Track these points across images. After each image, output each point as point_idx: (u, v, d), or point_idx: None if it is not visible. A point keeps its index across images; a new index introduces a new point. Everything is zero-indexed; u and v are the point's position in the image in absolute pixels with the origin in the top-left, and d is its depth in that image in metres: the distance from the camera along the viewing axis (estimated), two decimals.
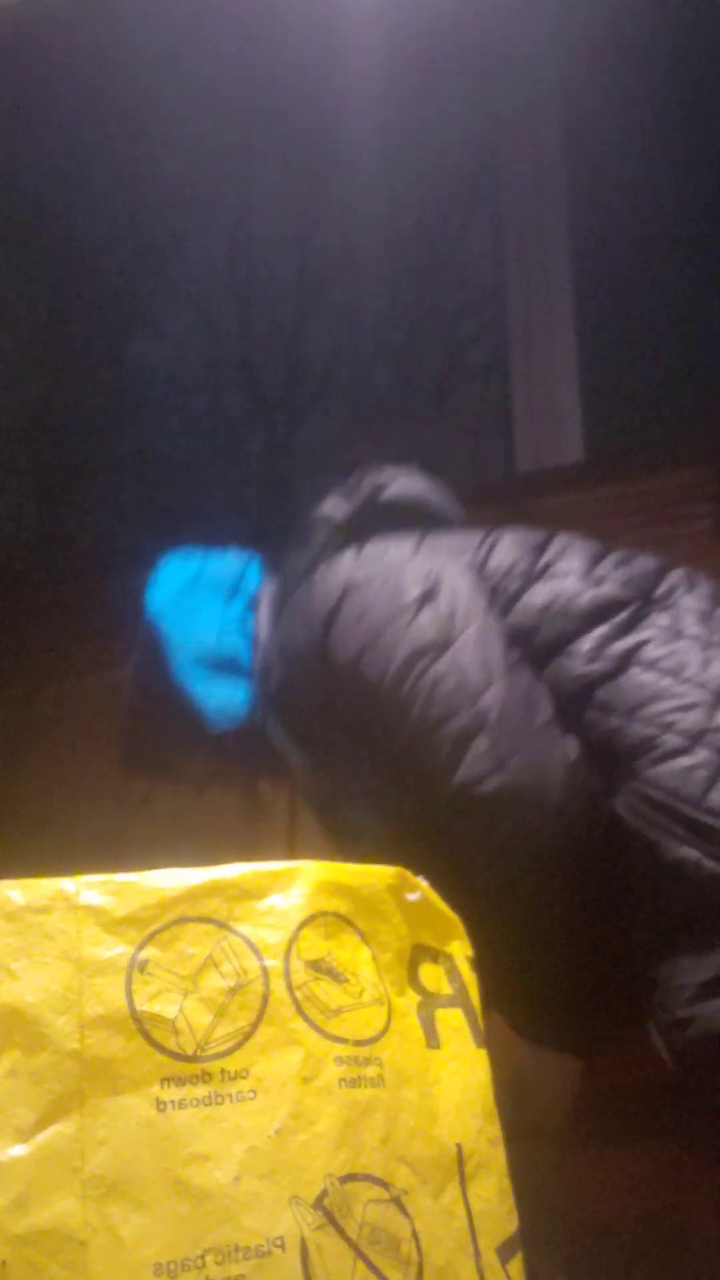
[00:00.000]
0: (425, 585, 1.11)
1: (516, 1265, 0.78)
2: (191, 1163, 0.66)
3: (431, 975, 0.85)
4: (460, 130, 2.74)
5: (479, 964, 0.87)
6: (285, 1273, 0.65)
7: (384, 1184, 0.71)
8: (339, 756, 1.16)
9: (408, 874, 0.87)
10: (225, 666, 1.27)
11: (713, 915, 0.94)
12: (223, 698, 1.26)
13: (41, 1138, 0.65)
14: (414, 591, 1.11)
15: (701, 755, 0.97)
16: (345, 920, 0.80)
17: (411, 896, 0.86)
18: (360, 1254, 0.68)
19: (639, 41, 2.47)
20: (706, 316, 2.45)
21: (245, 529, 1.44)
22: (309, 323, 3.02)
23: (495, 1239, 0.76)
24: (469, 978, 0.88)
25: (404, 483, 1.29)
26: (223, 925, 0.75)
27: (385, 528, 1.24)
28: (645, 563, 1.17)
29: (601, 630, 1.08)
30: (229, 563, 1.35)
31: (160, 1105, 0.68)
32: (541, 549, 1.17)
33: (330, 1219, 0.68)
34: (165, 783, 1.44)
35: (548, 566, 1.15)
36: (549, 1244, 0.78)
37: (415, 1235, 0.71)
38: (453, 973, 0.87)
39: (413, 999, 0.83)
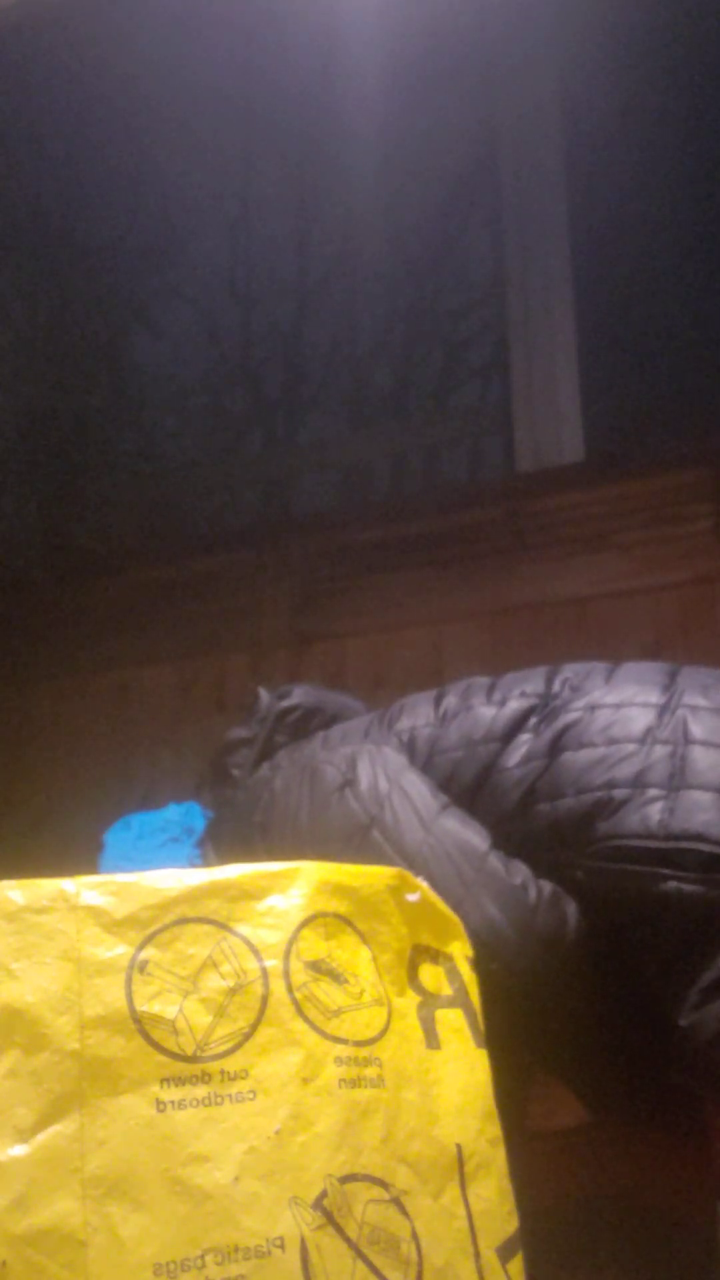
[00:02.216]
0: (342, 772, 1.17)
1: (516, 1265, 0.78)
2: (191, 1163, 0.66)
3: (431, 976, 0.85)
4: (460, 130, 2.74)
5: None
6: (285, 1273, 0.65)
7: (384, 1184, 0.72)
8: None
9: (407, 875, 0.87)
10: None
11: (705, 931, 0.98)
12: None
13: (41, 1138, 0.65)
14: (335, 781, 1.16)
15: (650, 793, 1.03)
16: (345, 921, 0.80)
17: (411, 897, 0.86)
18: (360, 1254, 0.68)
19: (639, 41, 2.47)
20: (706, 317, 2.45)
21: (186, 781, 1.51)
22: (309, 323, 3.02)
23: (495, 1239, 0.76)
24: (469, 978, 0.88)
25: (300, 692, 1.38)
26: (222, 926, 0.75)
27: (291, 736, 1.33)
28: (536, 672, 1.24)
29: (522, 738, 1.15)
30: (168, 814, 1.40)
31: (160, 1105, 0.68)
32: (440, 698, 1.25)
33: (330, 1219, 0.68)
34: None
35: (449, 710, 1.22)
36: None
37: (415, 1235, 0.71)
38: (453, 973, 0.87)
39: (413, 999, 0.83)
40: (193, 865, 1.31)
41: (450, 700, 1.24)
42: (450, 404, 2.85)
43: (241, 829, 1.25)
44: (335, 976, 0.77)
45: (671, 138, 2.53)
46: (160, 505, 2.97)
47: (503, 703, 1.19)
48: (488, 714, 1.18)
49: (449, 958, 0.88)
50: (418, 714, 1.24)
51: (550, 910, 1.05)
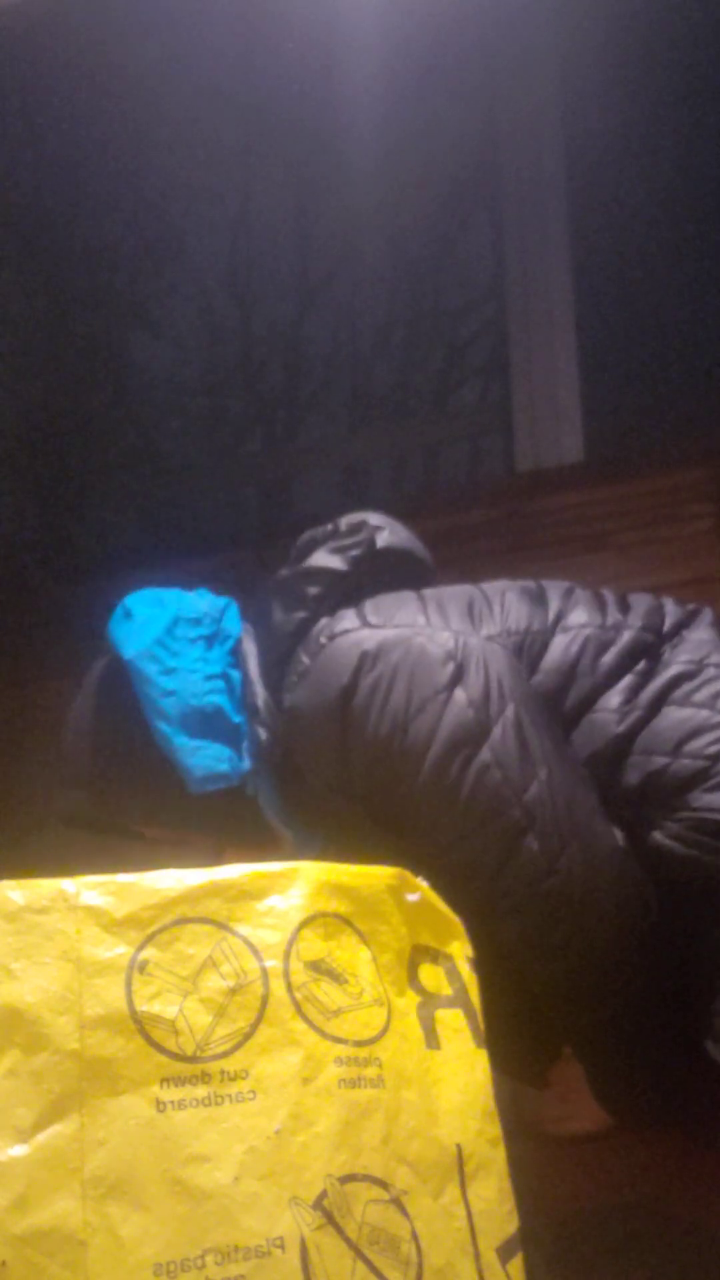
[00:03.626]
0: (454, 663, 1.06)
1: (516, 1265, 0.78)
2: (191, 1163, 0.66)
3: (431, 976, 0.85)
4: (460, 130, 2.74)
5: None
6: (285, 1273, 0.65)
7: (384, 1184, 0.71)
8: (352, 834, 1.10)
9: (407, 874, 0.87)
10: (208, 723, 1.14)
11: None
12: (209, 758, 1.13)
13: (41, 1138, 0.65)
14: (445, 671, 1.05)
15: None
16: (345, 921, 0.80)
17: (411, 897, 0.85)
18: (360, 1254, 0.68)
19: (639, 41, 2.47)
20: (706, 316, 2.45)
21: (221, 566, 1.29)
22: (309, 323, 3.02)
23: (495, 1239, 0.76)
24: (469, 978, 0.88)
25: (395, 531, 1.23)
26: (222, 926, 0.75)
27: (381, 580, 1.19)
28: (644, 601, 1.17)
29: (628, 680, 1.08)
30: (203, 606, 1.23)
31: (160, 1105, 0.68)
32: (544, 600, 1.15)
33: (330, 1219, 0.68)
34: (112, 844, 1.24)
35: (560, 618, 1.13)
36: (532, 1239, 0.78)
37: (415, 1235, 0.71)
38: (453, 973, 0.87)
39: (412, 1000, 0.83)
40: (225, 676, 1.16)
41: (557, 604, 1.14)
42: (450, 404, 2.85)
43: (315, 682, 1.09)
44: (335, 976, 0.77)
45: (672, 138, 2.53)
46: (160, 505, 2.97)
47: (618, 629, 1.11)
48: (600, 639, 1.10)
49: (449, 958, 0.88)
50: (527, 614, 1.13)
51: (639, 892, 1.02)
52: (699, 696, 1.05)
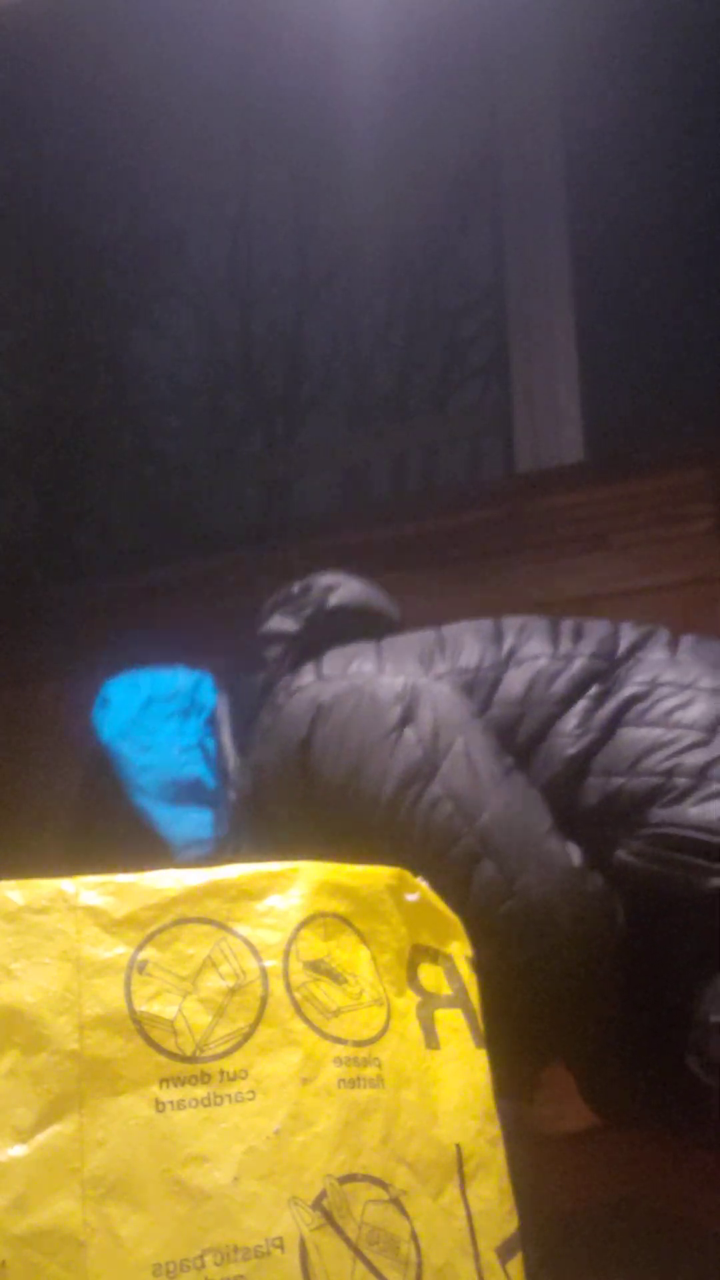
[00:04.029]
0: (403, 704, 1.10)
1: (516, 1265, 0.78)
2: (190, 1163, 0.66)
3: (431, 976, 0.85)
4: (460, 130, 2.74)
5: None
6: (284, 1273, 0.65)
7: (383, 1184, 0.72)
8: None
9: (407, 874, 0.87)
10: (188, 791, 1.20)
11: None
12: (190, 825, 1.19)
13: (41, 1138, 0.65)
14: (393, 713, 1.10)
15: (714, 787, 1.02)
16: (344, 921, 0.80)
17: (410, 897, 0.86)
18: (359, 1254, 0.68)
19: (639, 41, 2.47)
20: (707, 316, 2.45)
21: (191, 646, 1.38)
22: (309, 323, 3.02)
23: (495, 1239, 0.76)
24: (468, 978, 0.88)
25: (348, 588, 1.29)
26: (222, 926, 0.75)
27: (337, 636, 1.23)
28: (600, 628, 1.20)
29: (581, 705, 1.11)
30: (178, 681, 1.30)
31: (159, 1106, 0.68)
32: (500, 635, 1.20)
33: (329, 1219, 0.68)
34: None
35: (512, 653, 1.17)
36: (526, 1237, 0.79)
37: (414, 1236, 0.71)
38: (452, 973, 0.87)
39: (412, 999, 0.83)
40: (201, 746, 1.22)
41: (511, 640, 1.18)
42: (450, 404, 2.85)
43: (278, 737, 1.15)
44: (334, 976, 0.77)
45: (672, 137, 2.53)
46: (160, 505, 2.97)
47: (569, 659, 1.14)
48: (552, 669, 1.13)
49: (449, 958, 0.88)
50: (479, 652, 1.17)
51: (603, 904, 1.03)
52: (652, 715, 1.08)
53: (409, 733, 1.08)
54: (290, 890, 0.78)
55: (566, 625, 1.20)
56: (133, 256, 3.13)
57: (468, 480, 2.75)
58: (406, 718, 1.09)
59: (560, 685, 1.12)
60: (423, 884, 0.87)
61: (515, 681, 1.13)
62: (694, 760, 1.03)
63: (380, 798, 1.06)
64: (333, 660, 1.19)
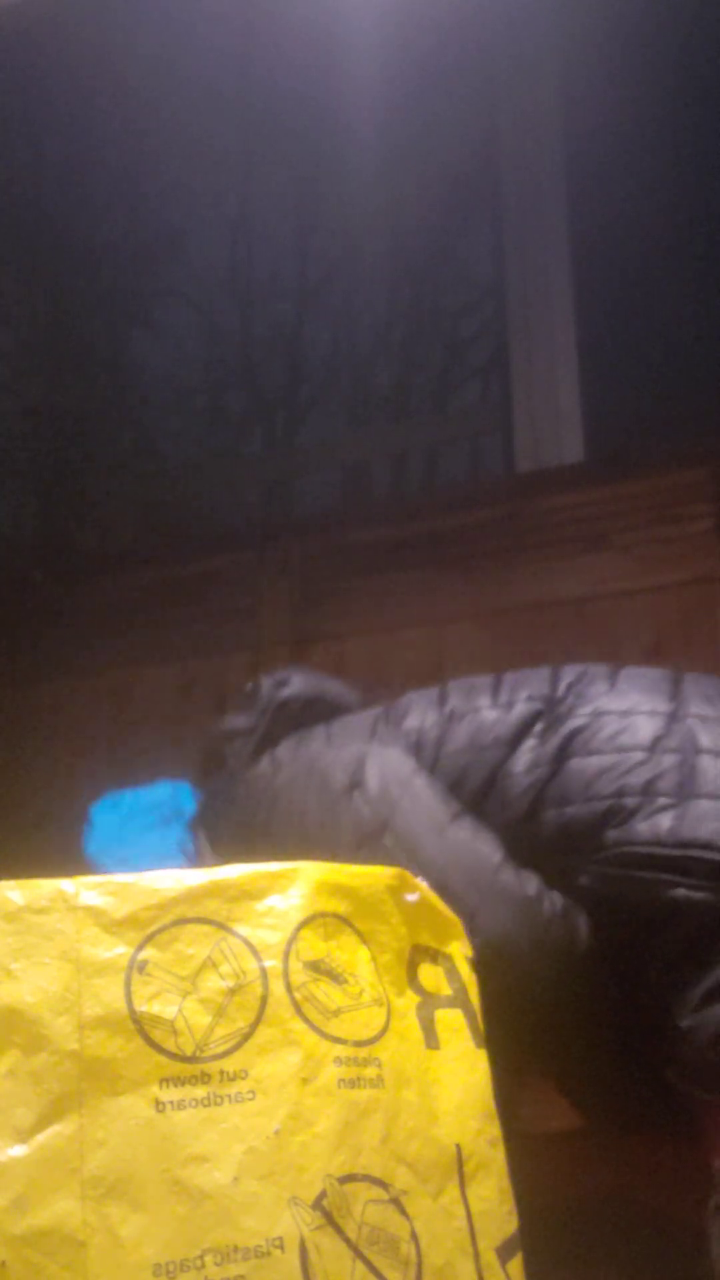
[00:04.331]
0: (350, 774, 1.14)
1: (516, 1265, 0.78)
2: (190, 1163, 0.66)
3: (431, 976, 0.85)
4: (460, 130, 2.74)
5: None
6: (284, 1273, 0.65)
7: (383, 1184, 0.72)
8: None
9: (407, 875, 0.87)
10: None
11: (709, 937, 1.00)
12: None
13: (41, 1138, 0.65)
14: (342, 784, 1.14)
15: (659, 801, 1.04)
16: (344, 921, 0.80)
17: (410, 897, 0.86)
18: (359, 1254, 0.68)
19: (639, 41, 2.47)
20: (707, 316, 2.45)
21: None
22: (309, 323, 3.02)
23: (494, 1239, 0.76)
24: (468, 978, 0.88)
25: (298, 680, 1.34)
26: (221, 926, 0.75)
27: (292, 726, 1.29)
28: (540, 673, 1.23)
29: (528, 744, 1.14)
30: (158, 793, 1.37)
31: (159, 1106, 0.68)
32: (443, 698, 1.23)
33: (329, 1219, 0.68)
34: None
35: (455, 709, 1.20)
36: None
37: (414, 1236, 0.71)
38: (452, 973, 0.87)
39: (412, 1000, 0.83)
40: (183, 850, 1.28)
41: (454, 701, 1.22)
42: (450, 404, 2.85)
43: (242, 826, 1.23)
44: (334, 977, 0.77)
45: (672, 137, 2.53)
46: (160, 505, 2.97)
47: (509, 706, 1.18)
48: (493, 717, 1.17)
49: (448, 958, 0.88)
50: (423, 713, 1.22)
51: (563, 922, 1.05)
52: (596, 743, 1.10)
53: (356, 795, 1.12)
54: (290, 890, 0.78)
55: (509, 677, 1.24)
56: (133, 256, 3.13)
57: (468, 480, 2.75)
58: (354, 783, 1.14)
59: (503, 730, 1.16)
60: (422, 884, 0.87)
61: (459, 734, 1.18)
62: (638, 779, 1.06)
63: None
64: (286, 746, 1.26)
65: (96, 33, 2.62)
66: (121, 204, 3.07)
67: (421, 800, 1.11)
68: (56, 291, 3.08)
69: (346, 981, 0.78)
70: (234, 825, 1.24)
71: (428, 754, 1.17)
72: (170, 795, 1.36)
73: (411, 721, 1.22)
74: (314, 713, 1.32)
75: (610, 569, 2.22)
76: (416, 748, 1.18)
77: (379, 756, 1.16)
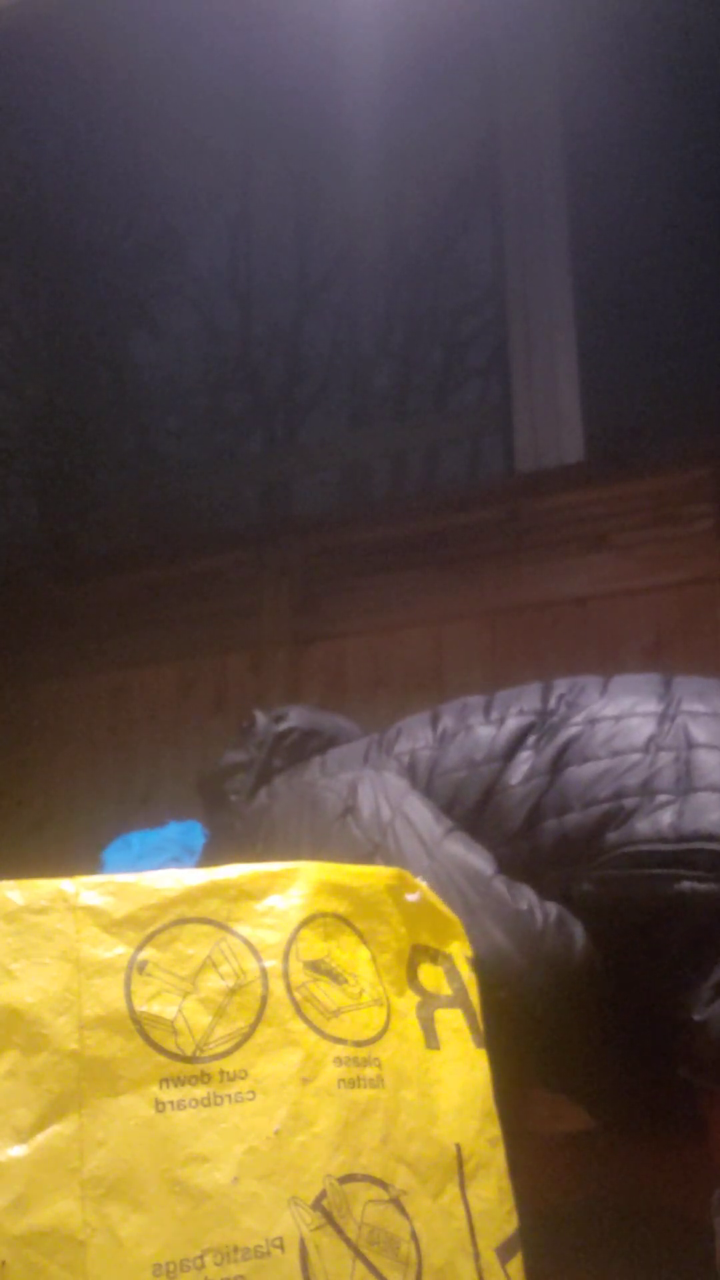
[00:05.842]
0: (343, 800, 1.15)
1: (516, 1265, 0.78)
2: (190, 1163, 0.66)
3: (431, 976, 0.85)
4: (460, 130, 2.74)
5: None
6: (284, 1273, 0.65)
7: (383, 1184, 0.72)
8: None
9: (406, 875, 0.87)
10: None
11: (716, 928, 0.99)
12: None
13: (40, 1138, 0.65)
14: (336, 809, 1.15)
15: (659, 798, 1.05)
16: (344, 921, 0.80)
17: (411, 897, 0.86)
18: (359, 1254, 0.68)
19: (639, 41, 2.47)
20: (707, 316, 2.45)
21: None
22: (309, 323, 3.02)
23: (495, 1239, 0.76)
24: (468, 978, 0.88)
25: (294, 714, 1.36)
26: (222, 926, 0.75)
27: (290, 759, 1.31)
28: (532, 688, 1.23)
29: (523, 755, 1.15)
30: (168, 833, 1.39)
31: (159, 1106, 0.68)
32: (436, 719, 1.24)
33: (329, 1219, 0.68)
34: None
35: (447, 729, 1.22)
36: (521, 1234, 0.79)
37: (414, 1236, 0.71)
38: (452, 973, 0.87)
39: (412, 1000, 0.83)
40: None
41: (447, 721, 1.23)
42: (450, 404, 2.85)
43: (241, 859, 1.24)
44: (334, 976, 0.77)
45: (672, 137, 2.53)
46: (160, 505, 2.97)
47: (501, 721, 1.18)
48: (487, 733, 1.18)
49: (448, 958, 0.88)
50: (416, 736, 1.23)
51: (557, 933, 1.05)
52: (591, 749, 1.11)
53: (350, 821, 1.13)
54: (290, 890, 0.78)
55: (500, 695, 1.24)
56: (133, 257, 3.13)
57: (468, 480, 2.75)
58: (347, 808, 1.14)
59: (497, 744, 1.16)
60: (422, 884, 0.87)
61: (452, 754, 1.18)
62: (635, 779, 1.06)
63: None
64: (283, 779, 1.28)
65: (96, 33, 2.62)
66: (121, 204, 3.07)
67: (414, 819, 1.11)
68: (57, 291, 3.08)
69: (346, 981, 0.78)
70: (233, 856, 1.25)
71: (421, 775, 1.18)
72: (180, 833, 1.38)
73: (404, 745, 1.23)
74: (311, 746, 1.34)
75: (610, 569, 2.22)
76: (410, 770, 1.19)
77: (372, 781, 1.17)
